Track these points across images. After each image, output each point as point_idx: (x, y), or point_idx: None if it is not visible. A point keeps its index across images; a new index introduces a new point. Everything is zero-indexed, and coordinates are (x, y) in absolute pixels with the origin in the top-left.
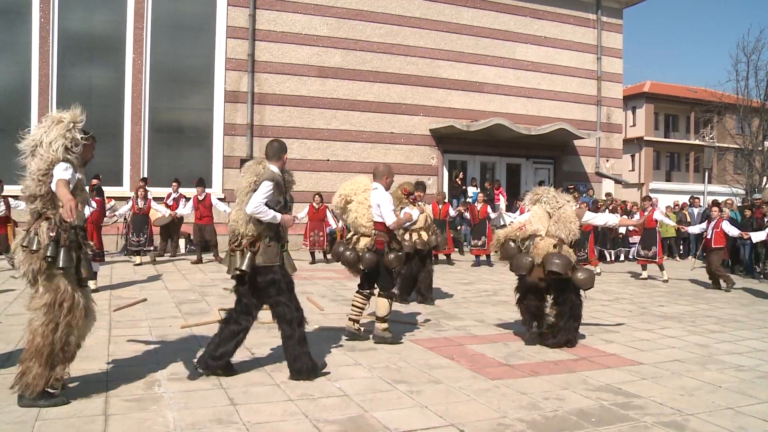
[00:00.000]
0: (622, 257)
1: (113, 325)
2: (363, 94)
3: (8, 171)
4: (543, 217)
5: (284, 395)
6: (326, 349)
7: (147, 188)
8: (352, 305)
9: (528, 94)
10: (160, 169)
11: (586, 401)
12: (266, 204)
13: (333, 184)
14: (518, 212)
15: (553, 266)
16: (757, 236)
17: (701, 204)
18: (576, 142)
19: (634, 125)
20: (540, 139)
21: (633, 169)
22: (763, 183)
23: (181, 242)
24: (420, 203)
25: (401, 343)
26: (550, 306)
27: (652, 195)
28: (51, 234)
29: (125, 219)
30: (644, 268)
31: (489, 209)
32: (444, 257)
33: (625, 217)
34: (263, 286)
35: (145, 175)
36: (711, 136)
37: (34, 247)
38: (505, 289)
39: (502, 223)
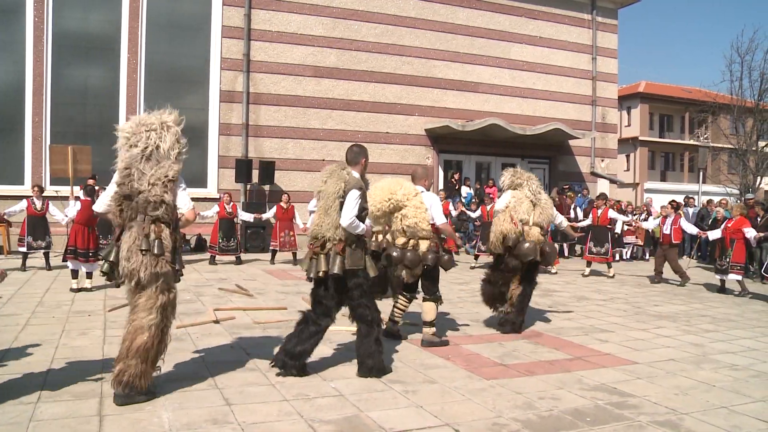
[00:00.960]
0: (617, 257)
1: (108, 326)
2: (358, 94)
3: (2, 170)
4: (528, 205)
5: (279, 395)
6: (321, 349)
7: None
8: (395, 307)
9: (523, 94)
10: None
11: (581, 401)
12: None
13: None
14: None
15: (535, 253)
16: (713, 234)
17: (696, 204)
18: (571, 142)
19: (629, 125)
20: (535, 139)
21: (628, 169)
22: (757, 183)
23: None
24: None
25: (447, 344)
26: (514, 287)
27: (647, 195)
28: (171, 239)
29: None
30: (588, 264)
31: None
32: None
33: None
34: (348, 289)
35: None
36: (705, 136)
37: (156, 251)
38: None
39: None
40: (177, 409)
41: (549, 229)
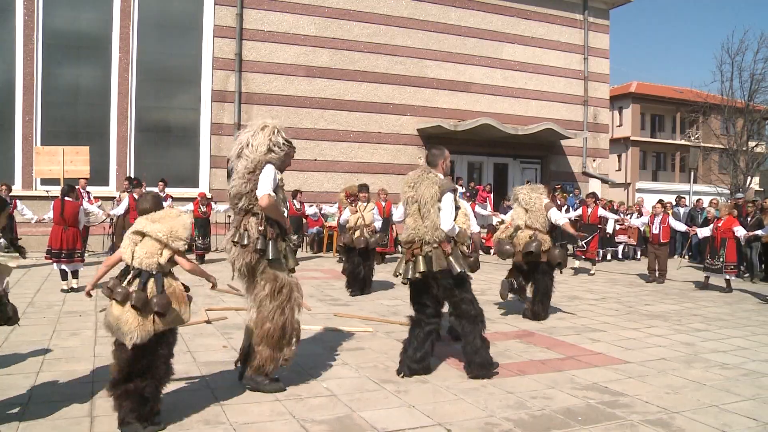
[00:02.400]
0: (609, 257)
1: (99, 326)
2: (350, 93)
3: None
4: (521, 213)
5: (272, 395)
6: (313, 348)
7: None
8: None
9: (515, 94)
10: (147, 169)
11: (573, 400)
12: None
13: (320, 184)
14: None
15: (531, 248)
16: (702, 232)
17: (687, 204)
18: (563, 142)
19: (620, 125)
20: (527, 138)
21: (619, 169)
22: (747, 183)
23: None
24: (361, 204)
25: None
26: (528, 285)
27: (638, 195)
28: (259, 228)
29: (111, 220)
30: (576, 258)
31: (477, 207)
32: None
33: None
34: (450, 287)
35: (131, 175)
36: (696, 136)
37: (245, 242)
38: (493, 289)
39: (496, 222)
40: (169, 410)
41: (548, 230)
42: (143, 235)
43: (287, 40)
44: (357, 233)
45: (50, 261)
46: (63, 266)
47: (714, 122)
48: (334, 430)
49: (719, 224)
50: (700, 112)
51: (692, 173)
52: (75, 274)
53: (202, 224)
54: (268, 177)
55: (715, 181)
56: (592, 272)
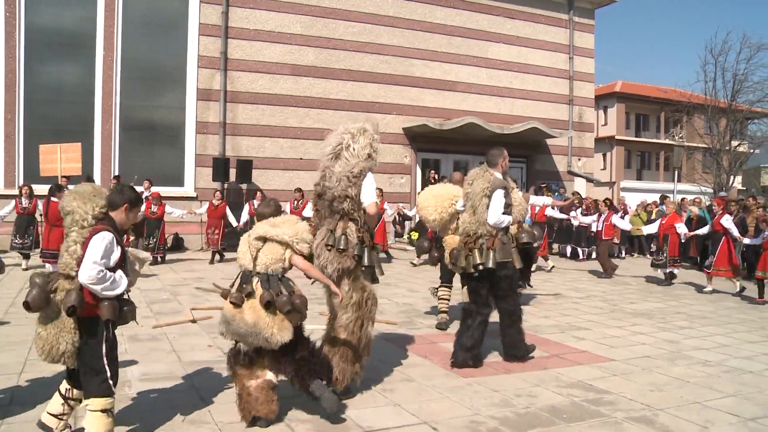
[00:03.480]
0: (594, 255)
1: None
2: (336, 92)
3: None
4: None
5: None
6: None
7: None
8: (441, 299)
9: (501, 93)
10: (132, 168)
11: (558, 398)
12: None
13: (306, 183)
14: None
15: (525, 238)
16: (648, 229)
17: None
18: (548, 141)
19: (605, 124)
20: (513, 137)
21: (604, 168)
22: (730, 182)
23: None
24: None
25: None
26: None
27: (623, 193)
28: (359, 234)
29: None
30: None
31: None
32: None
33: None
34: (498, 280)
35: (117, 173)
36: (680, 135)
37: (343, 247)
38: None
39: None
40: (154, 410)
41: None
42: (265, 240)
43: (273, 39)
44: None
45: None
46: (49, 266)
47: (698, 122)
48: (319, 429)
49: (664, 221)
50: (684, 112)
51: (676, 172)
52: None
53: (155, 225)
54: (372, 185)
55: (699, 180)
56: (548, 268)
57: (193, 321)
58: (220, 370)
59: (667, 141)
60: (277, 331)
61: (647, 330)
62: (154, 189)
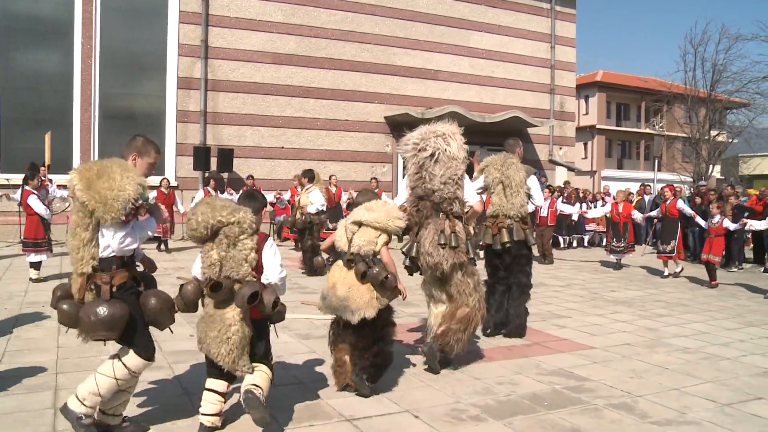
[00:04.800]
0: (575, 243)
1: None
2: (318, 81)
3: None
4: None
5: (238, 384)
6: (281, 337)
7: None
8: None
9: (482, 82)
10: (112, 156)
11: (539, 385)
12: None
13: (287, 172)
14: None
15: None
16: (593, 213)
17: (652, 192)
18: (530, 130)
19: (586, 113)
20: (494, 126)
21: (585, 157)
22: (710, 171)
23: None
24: (298, 188)
25: None
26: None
27: (604, 182)
28: (465, 231)
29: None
30: None
31: None
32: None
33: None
34: (519, 256)
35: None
36: (661, 125)
37: (455, 244)
38: None
39: None
40: (135, 400)
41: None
42: (360, 224)
43: (254, 27)
44: (297, 215)
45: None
46: (37, 255)
47: (677, 111)
48: (302, 417)
49: (619, 210)
50: (664, 102)
51: (656, 161)
52: (34, 265)
53: None
54: (471, 185)
55: (679, 169)
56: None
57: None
58: (201, 360)
59: (647, 130)
60: (364, 306)
61: (627, 318)
62: None
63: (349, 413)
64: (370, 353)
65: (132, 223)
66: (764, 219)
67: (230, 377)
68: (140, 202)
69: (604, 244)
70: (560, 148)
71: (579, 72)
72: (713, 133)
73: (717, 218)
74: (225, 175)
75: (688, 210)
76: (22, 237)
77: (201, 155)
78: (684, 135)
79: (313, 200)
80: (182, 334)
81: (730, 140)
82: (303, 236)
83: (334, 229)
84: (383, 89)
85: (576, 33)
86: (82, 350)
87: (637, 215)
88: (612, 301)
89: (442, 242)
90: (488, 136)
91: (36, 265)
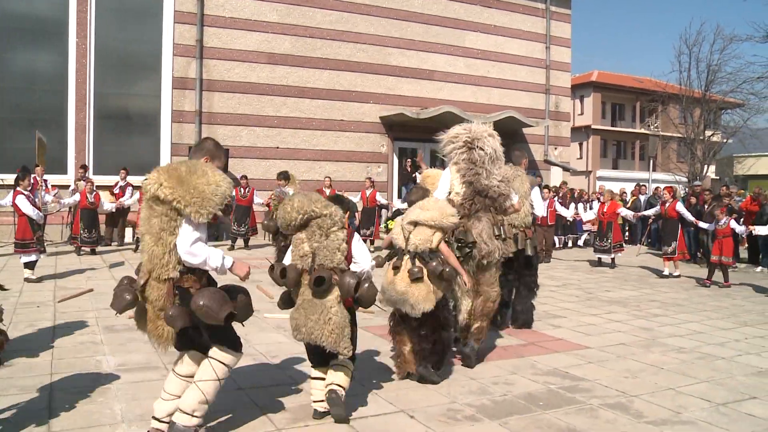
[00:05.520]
0: (570, 243)
1: (58, 317)
2: (313, 81)
3: None
4: None
5: (234, 384)
6: (276, 337)
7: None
8: None
9: (477, 82)
10: (107, 157)
11: (535, 385)
12: None
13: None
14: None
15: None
16: (586, 216)
17: (647, 191)
18: (525, 130)
19: (581, 114)
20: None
21: (581, 157)
22: (705, 171)
23: (128, 231)
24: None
25: None
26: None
27: (599, 182)
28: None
29: (70, 209)
30: None
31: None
32: None
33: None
34: (524, 261)
35: (86, 163)
36: (656, 125)
37: (504, 236)
38: None
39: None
40: (130, 401)
41: None
42: (416, 223)
43: (249, 27)
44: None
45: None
46: (27, 256)
47: (672, 111)
48: (297, 417)
49: (604, 209)
50: (659, 102)
51: (651, 162)
52: (28, 265)
53: (90, 216)
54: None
55: (674, 169)
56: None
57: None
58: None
59: (642, 130)
60: (422, 300)
61: (622, 318)
62: (129, 178)
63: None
64: (430, 341)
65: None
66: (764, 220)
67: (331, 359)
68: (229, 200)
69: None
70: (555, 149)
71: (574, 72)
72: (708, 133)
73: (724, 220)
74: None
75: (688, 216)
76: (16, 239)
77: None
78: (679, 135)
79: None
80: None
81: (725, 140)
82: (277, 237)
83: None
84: (378, 89)
85: (571, 33)
86: (77, 351)
87: (626, 213)
88: (607, 301)
89: (497, 234)
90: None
91: (29, 265)
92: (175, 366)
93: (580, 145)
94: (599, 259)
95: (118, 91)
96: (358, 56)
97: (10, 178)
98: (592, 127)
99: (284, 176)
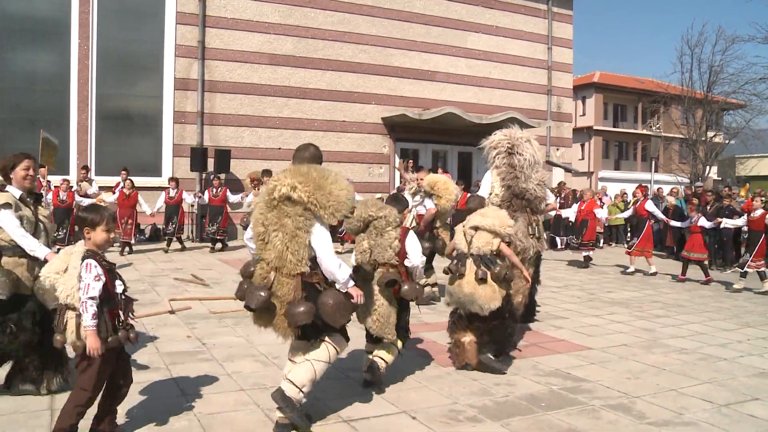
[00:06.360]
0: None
1: None
2: (315, 82)
3: None
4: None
5: (236, 385)
6: (276, 338)
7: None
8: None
9: (479, 83)
10: (108, 158)
11: (536, 386)
12: None
13: None
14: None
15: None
16: (566, 213)
17: (648, 192)
18: (526, 131)
19: (583, 114)
20: (491, 127)
21: (582, 158)
22: (706, 172)
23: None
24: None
25: None
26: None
27: (601, 183)
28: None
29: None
30: None
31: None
32: None
33: None
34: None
35: (87, 164)
36: (657, 126)
37: (538, 235)
38: None
39: None
40: (133, 401)
41: None
42: (477, 228)
43: (251, 28)
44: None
45: None
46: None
47: (674, 112)
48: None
49: (582, 207)
50: (661, 103)
51: (653, 162)
52: None
53: (64, 214)
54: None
55: (676, 170)
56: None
57: (172, 312)
58: (199, 361)
59: (644, 131)
60: (489, 300)
61: (624, 318)
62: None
63: (347, 414)
64: (498, 332)
65: None
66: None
67: (380, 340)
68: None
69: (601, 245)
70: (557, 149)
71: (576, 73)
72: (710, 134)
73: (695, 218)
74: (222, 176)
75: (659, 214)
76: None
77: (198, 156)
78: (681, 136)
79: (247, 201)
80: (179, 335)
81: (727, 141)
82: None
83: None
84: (380, 90)
85: (573, 34)
86: None
87: (600, 214)
88: (609, 302)
89: (531, 232)
90: (485, 137)
91: None
92: (291, 355)
93: (582, 146)
94: (584, 256)
95: (119, 91)
96: (360, 57)
97: None
98: (594, 128)
99: (269, 173)
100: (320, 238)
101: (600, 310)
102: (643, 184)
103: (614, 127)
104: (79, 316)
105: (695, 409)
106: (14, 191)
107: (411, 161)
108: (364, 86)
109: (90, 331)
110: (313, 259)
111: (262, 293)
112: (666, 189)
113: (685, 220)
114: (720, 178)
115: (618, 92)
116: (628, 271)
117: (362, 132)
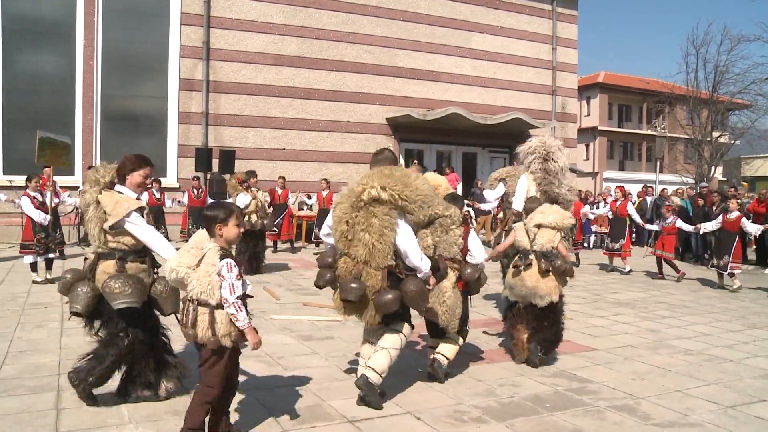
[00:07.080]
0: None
1: (66, 317)
2: (319, 82)
3: None
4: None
5: (240, 386)
6: (283, 338)
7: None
8: None
9: (484, 83)
10: (113, 158)
11: (541, 387)
12: None
13: (289, 173)
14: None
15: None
16: (598, 211)
17: (653, 193)
18: (531, 132)
19: (588, 115)
20: (496, 128)
21: (587, 159)
22: (712, 172)
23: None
24: (252, 189)
25: None
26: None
27: (605, 184)
28: None
29: (76, 209)
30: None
31: None
32: (288, 243)
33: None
34: None
35: (93, 164)
36: (662, 126)
37: (566, 236)
38: None
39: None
40: (137, 401)
41: None
42: (540, 226)
43: (255, 29)
44: (254, 217)
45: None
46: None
47: (679, 113)
48: (303, 419)
49: (616, 206)
50: (666, 103)
51: (658, 163)
52: (31, 266)
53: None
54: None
55: (681, 170)
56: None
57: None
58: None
59: (649, 132)
60: (550, 293)
61: (630, 319)
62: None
63: (351, 415)
64: (550, 331)
65: None
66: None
67: (444, 333)
68: None
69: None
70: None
71: (581, 73)
72: (715, 134)
73: (670, 219)
74: (227, 176)
75: (636, 217)
76: (23, 240)
77: (203, 157)
78: (686, 136)
79: (239, 202)
80: (179, 334)
81: (733, 142)
82: (255, 237)
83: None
84: (385, 91)
85: (578, 34)
86: (85, 351)
87: (587, 212)
88: (614, 303)
89: (563, 235)
90: (490, 137)
91: (32, 267)
92: (372, 338)
93: (587, 146)
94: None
95: (124, 92)
96: (365, 58)
97: (17, 179)
98: (599, 128)
99: (254, 174)
100: (405, 235)
101: (605, 310)
102: (623, 185)
103: (619, 127)
104: (212, 312)
105: (701, 411)
106: (128, 192)
107: (416, 162)
108: (368, 87)
109: (248, 328)
110: (396, 252)
111: (357, 285)
112: (671, 189)
113: (665, 221)
114: (725, 179)
115: (623, 92)
116: (625, 271)
117: (367, 132)
